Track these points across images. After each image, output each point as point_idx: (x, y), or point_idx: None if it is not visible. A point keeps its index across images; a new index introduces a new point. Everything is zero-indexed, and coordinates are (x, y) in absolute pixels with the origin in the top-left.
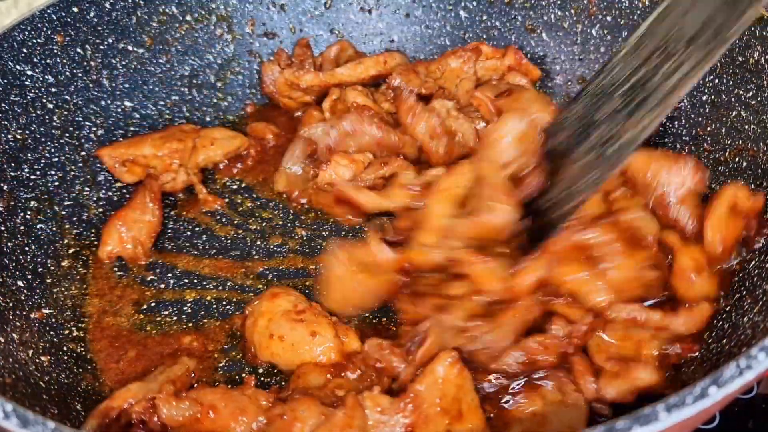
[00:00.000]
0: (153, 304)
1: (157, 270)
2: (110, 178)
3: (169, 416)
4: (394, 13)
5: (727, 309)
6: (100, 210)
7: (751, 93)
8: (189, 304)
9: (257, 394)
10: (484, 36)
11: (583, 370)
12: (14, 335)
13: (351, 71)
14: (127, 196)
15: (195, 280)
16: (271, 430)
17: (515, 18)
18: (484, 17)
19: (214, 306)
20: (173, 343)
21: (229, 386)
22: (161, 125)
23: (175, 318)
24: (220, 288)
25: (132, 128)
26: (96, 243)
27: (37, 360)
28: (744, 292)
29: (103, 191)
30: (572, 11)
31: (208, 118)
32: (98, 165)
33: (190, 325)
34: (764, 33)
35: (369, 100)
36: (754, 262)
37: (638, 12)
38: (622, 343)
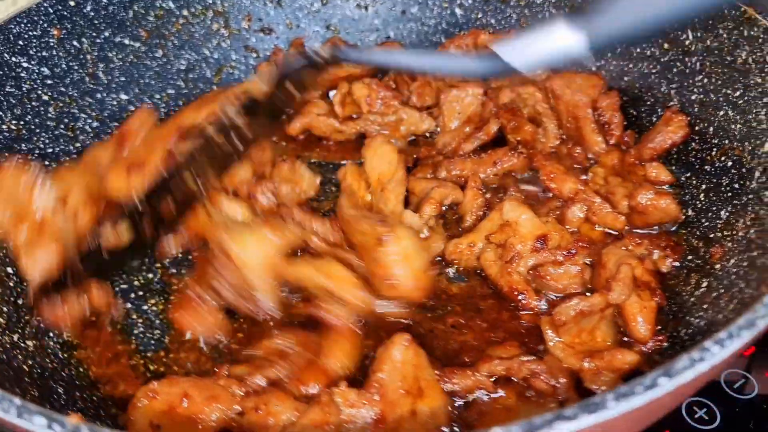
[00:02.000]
0: (141, 294)
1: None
2: None
3: None
4: (390, 9)
5: (704, 307)
6: None
7: (738, 93)
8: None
9: (230, 383)
10: None
11: (554, 371)
12: (0, 320)
13: None
14: None
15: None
16: (245, 422)
17: (510, 16)
18: (479, 15)
19: None
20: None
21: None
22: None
23: (161, 307)
24: None
25: None
26: None
27: (22, 344)
28: (722, 290)
29: None
30: (566, 10)
31: None
32: None
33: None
34: (752, 33)
35: (374, 92)
36: (733, 261)
37: None
38: (580, 338)
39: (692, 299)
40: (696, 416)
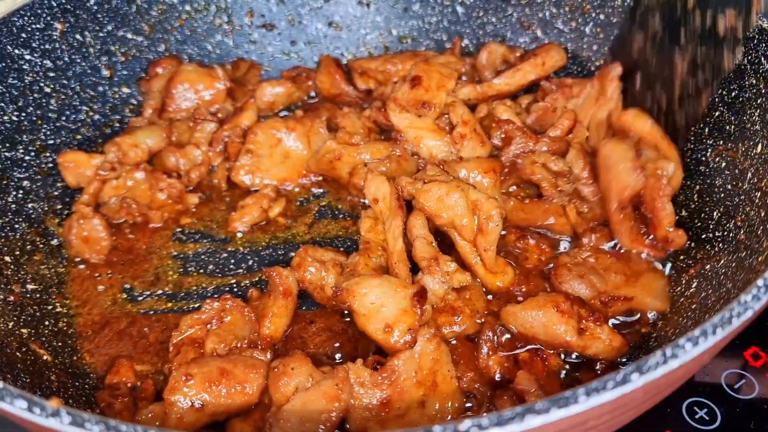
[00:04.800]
0: (137, 284)
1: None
2: None
3: None
4: (392, 6)
5: (693, 307)
6: None
7: (734, 93)
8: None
9: (253, 352)
10: (481, 32)
11: None
12: None
13: (509, 80)
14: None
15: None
16: (268, 381)
17: (511, 14)
18: (480, 13)
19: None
20: (154, 324)
21: None
22: None
23: (156, 298)
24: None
25: (129, 114)
26: None
27: (17, 331)
28: (710, 291)
29: None
30: (566, 9)
31: None
32: (94, 149)
33: (170, 304)
34: (748, 34)
35: (515, 115)
36: (723, 261)
37: (630, 10)
38: None
39: (682, 299)
40: (697, 416)
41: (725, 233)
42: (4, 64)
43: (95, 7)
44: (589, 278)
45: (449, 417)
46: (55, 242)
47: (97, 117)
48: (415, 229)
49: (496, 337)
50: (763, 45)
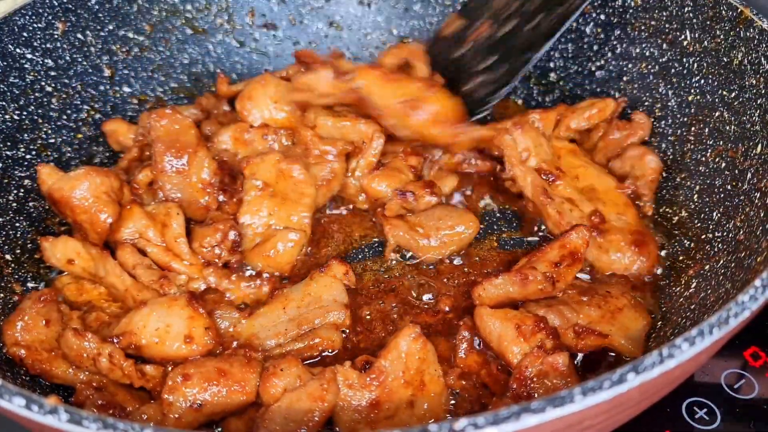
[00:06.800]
0: None
1: None
2: (106, 161)
3: None
4: (393, 6)
5: (692, 308)
6: None
7: (733, 94)
8: None
9: (250, 352)
10: None
11: None
12: None
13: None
14: None
15: None
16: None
17: None
18: None
19: None
20: None
21: None
22: None
23: None
24: None
25: (130, 113)
26: None
27: None
28: (709, 291)
29: None
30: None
31: None
32: (95, 147)
33: None
34: (748, 34)
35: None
36: (722, 262)
37: (630, 11)
38: None
39: (681, 299)
40: (696, 416)
41: (725, 233)
42: (5, 63)
43: (96, 7)
44: (558, 308)
45: (438, 415)
46: None
47: (98, 116)
48: (128, 260)
49: (472, 337)
50: (763, 45)
